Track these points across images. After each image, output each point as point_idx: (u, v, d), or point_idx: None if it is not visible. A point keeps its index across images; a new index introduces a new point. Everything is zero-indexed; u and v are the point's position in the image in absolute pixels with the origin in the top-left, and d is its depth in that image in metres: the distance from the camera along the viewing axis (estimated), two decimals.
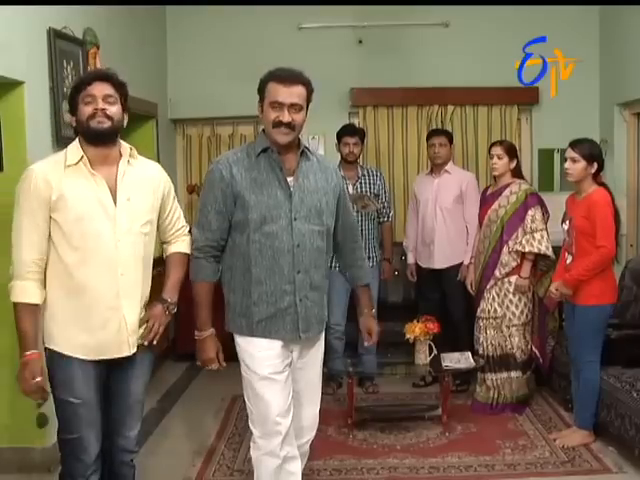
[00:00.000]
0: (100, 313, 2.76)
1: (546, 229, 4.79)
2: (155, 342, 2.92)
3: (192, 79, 6.55)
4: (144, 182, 2.89)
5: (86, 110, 2.72)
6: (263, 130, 3.13)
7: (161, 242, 3.09)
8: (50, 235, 2.73)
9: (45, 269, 2.75)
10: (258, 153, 3.04)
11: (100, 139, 2.76)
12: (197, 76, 6.56)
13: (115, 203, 2.77)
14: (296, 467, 3.18)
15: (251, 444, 3.16)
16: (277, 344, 3.07)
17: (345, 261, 3.42)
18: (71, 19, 4.37)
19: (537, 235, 4.74)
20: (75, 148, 2.78)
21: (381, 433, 4.65)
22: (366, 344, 3.52)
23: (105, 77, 2.79)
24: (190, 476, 4.07)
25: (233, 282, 3.10)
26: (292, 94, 2.95)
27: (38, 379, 2.72)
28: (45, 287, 2.77)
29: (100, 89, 2.74)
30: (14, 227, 2.76)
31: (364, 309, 3.44)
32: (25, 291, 2.72)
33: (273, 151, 3.03)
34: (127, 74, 2.73)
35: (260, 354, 3.06)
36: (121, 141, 2.88)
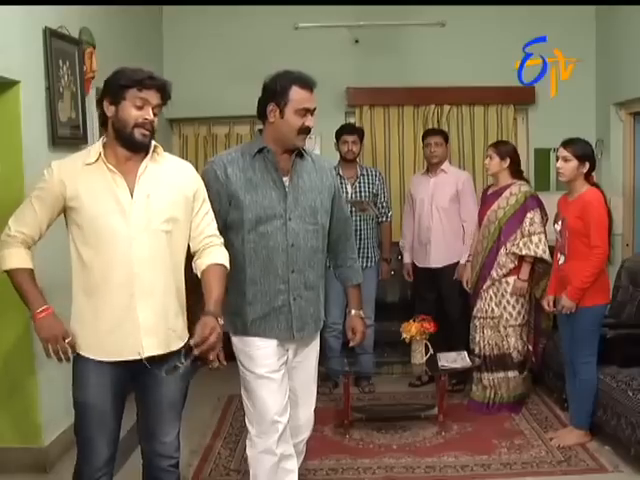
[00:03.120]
0: (115, 313, 2.66)
1: (544, 232, 4.78)
2: (211, 357, 2.72)
3: (188, 79, 6.52)
4: (168, 179, 2.75)
5: (135, 114, 2.62)
6: (259, 130, 3.14)
7: (192, 256, 2.87)
8: (71, 236, 2.70)
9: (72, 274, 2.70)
10: (254, 154, 3.05)
11: (137, 149, 2.69)
12: (193, 76, 6.55)
13: (132, 200, 2.66)
14: (293, 465, 3.19)
15: (247, 442, 3.17)
16: (272, 343, 3.08)
17: (336, 260, 3.42)
18: (67, 19, 4.36)
19: (535, 238, 4.73)
20: (98, 146, 2.70)
21: (377, 433, 4.65)
22: (351, 344, 3.50)
23: (163, 88, 2.67)
24: (186, 476, 4.06)
25: (228, 282, 3.09)
26: (314, 99, 3.02)
27: (56, 332, 2.62)
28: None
29: (155, 97, 2.65)
30: (21, 205, 2.77)
31: (352, 309, 3.43)
32: (13, 257, 2.67)
33: (269, 152, 3.04)
34: None
35: (256, 353, 3.07)
36: None
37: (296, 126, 2.99)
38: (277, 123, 3.02)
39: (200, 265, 2.85)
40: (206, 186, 2.96)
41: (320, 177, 3.17)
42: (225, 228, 3.04)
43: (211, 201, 2.95)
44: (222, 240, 2.91)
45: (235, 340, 3.12)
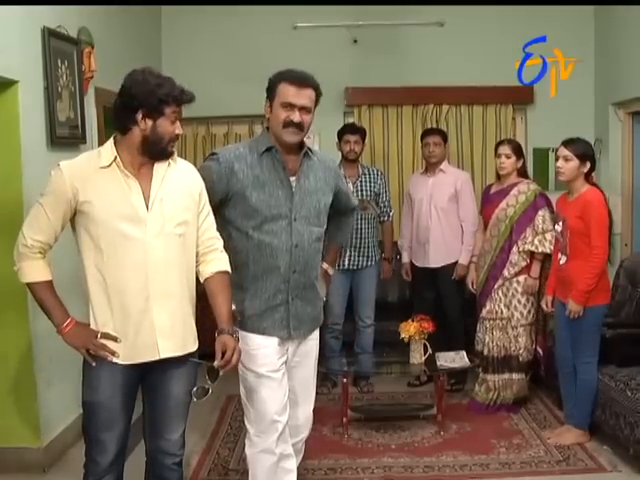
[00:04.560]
0: (133, 317, 2.67)
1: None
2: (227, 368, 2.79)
3: (187, 78, 6.32)
4: (179, 182, 2.77)
5: (171, 130, 2.67)
6: (267, 128, 3.15)
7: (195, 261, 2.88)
8: (80, 240, 2.69)
9: (85, 276, 2.70)
10: (262, 152, 3.05)
11: (165, 160, 2.72)
12: (192, 75, 6.39)
13: (147, 205, 2.66)
14: (292, 464, 3.20)
15: (246, 441, 3.17)
16: (273, 341, 3.09)
17: (329, 225, 3.33)
18: (66, 18, 4.35)
19: (548, 236, 4.72)
20: (109, 148, 2.68)
21: (376, 432, 4.66)
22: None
23: (190, 102, 2.76)
24: (185, 475, 4.03)
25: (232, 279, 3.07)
26: (303, 96, 3.00)
27: (86, 338, 2.67)
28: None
29: (181, 110, 2.72)
30: (30, 211, 2.73)
31: (324, 262, 3.50)
32: (33, 269, 2.68)
33: (277, 151, 3.05)
34: (121, 74, 2.70)
35: (256, 352, 3.07)
36: None
37: (280, 119, 3.00)
38: (270, 118, 3.08)
39: (204, 272, 2.88)
40: (204, 179, 2.93)
41: (325, 178, 3.18)
42: (227, 224, 3.05)
43: (211, 195, 2.94)
44: (222, 242, 2.93)
45: None
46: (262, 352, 3.07)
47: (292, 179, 3.07)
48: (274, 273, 3.05)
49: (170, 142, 2.68)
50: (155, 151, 2.68)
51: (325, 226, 3.21)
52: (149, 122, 2.64)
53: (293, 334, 3.13)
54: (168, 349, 2.73)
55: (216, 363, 2.74)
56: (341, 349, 5.45)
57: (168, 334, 2.72)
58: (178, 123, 2.70)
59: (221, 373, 2.75)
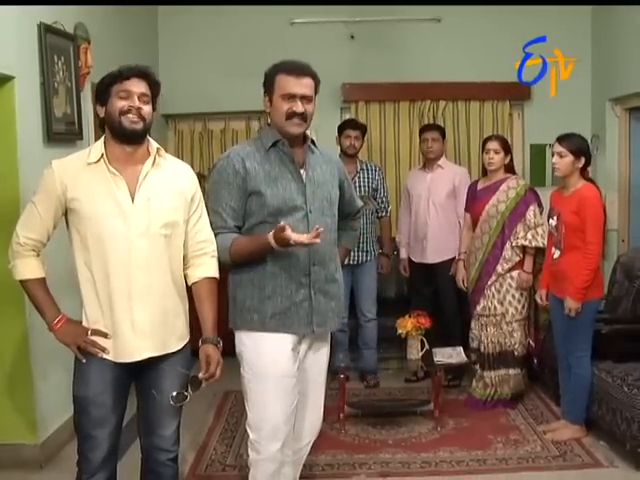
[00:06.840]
0: (115, 315, 2.67)
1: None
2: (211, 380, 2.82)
3: (184, 74, 6.53)
4: (169, 182, 2.75)
5: (120, 104, 2.63)
6: (268, 124, 3.12)
7: (184, 264, 2.88)
8: (72, 237, 2.70)
9: (77, 276, 2.71)
10: (269, 147, 3.02)
11: (130, 138, 2.68)
12: (189, 71, 6.54)
13: (133, 203, 2.66)
14: (290, 471, 3.20)
15: (249, 445, 3.10)
16: (288, 346, 3.01)
17: (338, 226, 3.29)
18: (62, 14, 4.34)
19: (540, 230, 4.74)
20: (99, 145, 2.70)
21: (373, 428, 4.66)
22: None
23: (143, 75, 2.69)
24: (183, 471, 4.04)
25: (241, 276, 3.04)
26: (303, 85, 2.96)
27: (76, 335, 2.70)
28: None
29: (137, 86, 2.66)
30: (25, 209, 2.76)
31: None
32: (26, 267, 2.70)
33: (284, 144, 3.01)
34: None
35: (271, 355, 3.00)
36: (150, 140, 2.78)
37: (282, 111, 2.96)
38: (271, 113, 3.04)
39: (191, 276, 2.88)
40: (225, 181, 2.96)
41: (330, 170, 3.16)
42: (245, 222, 3.01)
43: (231, 198, 2.95)
44: (214, 246, 2.92)
45: (246, 339, 3.04)
46: (277, 356, 3.00)
47: (301, 171, 3.04)
48: (293, 267, 2.99)
49: (122, 115, 2.64)
50: (115, 130, 2.67)
51: (337, 218, 3.18)
52: (103, 109, 2.69)
53: (317, 330, 3.07)
54: (146, 349, 2.72)
55: (201, 375, 2.76)
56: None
57: (146, 334, 2.72)
58: (134, 97, 2.65)
59: (203, 385, 2.77)
